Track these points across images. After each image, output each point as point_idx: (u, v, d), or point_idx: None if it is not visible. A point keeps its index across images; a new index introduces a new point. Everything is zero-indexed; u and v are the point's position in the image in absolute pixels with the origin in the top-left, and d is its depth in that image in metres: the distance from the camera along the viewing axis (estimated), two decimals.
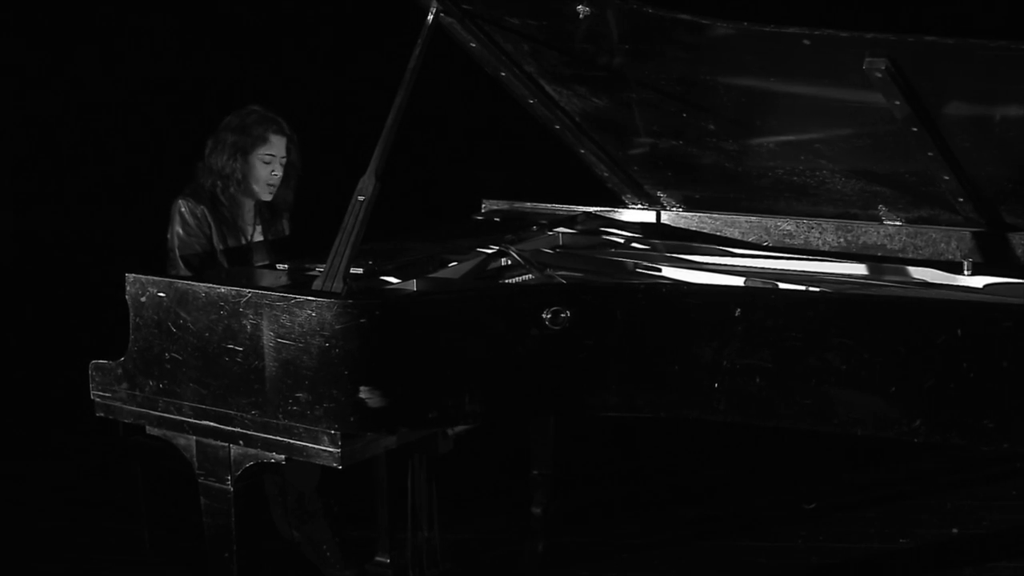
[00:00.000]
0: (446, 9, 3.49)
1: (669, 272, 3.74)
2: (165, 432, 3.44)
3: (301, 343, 3.15)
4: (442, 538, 4.08)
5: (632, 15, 3.31)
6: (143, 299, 3.39)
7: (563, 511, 4.63)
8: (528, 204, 4.49)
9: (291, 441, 3.22)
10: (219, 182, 4.09)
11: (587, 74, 3.67)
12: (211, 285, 3.29)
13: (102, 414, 3.56)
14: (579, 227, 4.29)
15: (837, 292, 3.40)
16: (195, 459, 3.41)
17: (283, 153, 4.12)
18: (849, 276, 3.68)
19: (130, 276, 3.42)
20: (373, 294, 3.41)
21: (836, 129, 3.58)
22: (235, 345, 3.24)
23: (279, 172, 4.13)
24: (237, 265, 4.13)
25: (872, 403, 3.02)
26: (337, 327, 3.10)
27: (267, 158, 4.09)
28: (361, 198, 3.31)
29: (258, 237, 4.24)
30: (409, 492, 4.00)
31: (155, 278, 3.39)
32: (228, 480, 3.37)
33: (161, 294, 3.36)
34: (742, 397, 3.13)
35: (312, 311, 3.13)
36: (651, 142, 3.95)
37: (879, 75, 3.17)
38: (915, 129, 3.37)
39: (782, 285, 3.50)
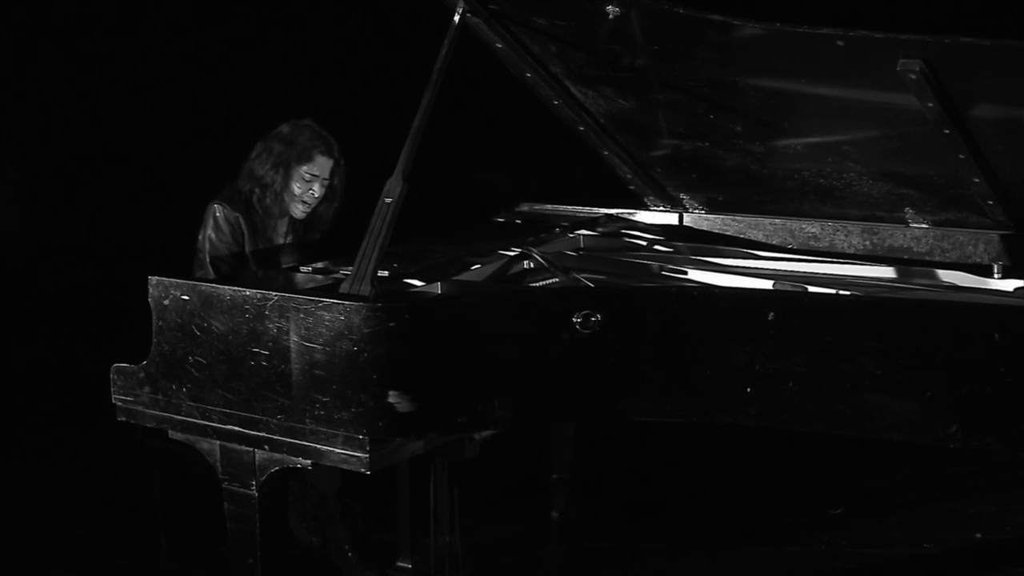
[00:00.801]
0: (472, 9, 3.45)
1: (695, 275, 3.71)
2: (188, 437, 3.41)
3: (328, 347, 3.11)
4: (463, 543, 4.05)
5: (662, 16, 3.28)
6: (166, 302, 3.35)
7: (582, 515, 4.59)
8: (548, 206, 4.46)
9: (318, 446, 3.18)
10: (256, 189, 4.04)
11: (614, 75, 3.64)
12: (236, 288, 3.25)
13: (123, 418, 3.52)
14: (600, 230, 4.26)
15: (871, 296, 3.36)
16: (219, 464, 3.37)
17: (326, 175, 4.07)
18: (877, 279, 3.65)
19: (153, 279, 3.38)
20: (402, 297, 3.37)
21: (865, 131, 3.55)
22: (260, 349, 3.21)
23: (317, 192, 4.07)
24: (263, 268, 4.10)
25: (907, 408, 2.99)
26: (366, 331, 3.07)
27: (308, 176, 4.04)
28: (388, 200, 3.28)
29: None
30: (431, 496, 3.97)
31: (178, 281, 3.35)
32: (253, 485, 3.34)
33: (185, 297, 3.32)
34: (775, 402, 3.10)
35: (340, 314, 3.09)
36: (676, 144, 3.92)
37: (913, 76, 3.13)
38: (947, 131, 3.33)
39: (812, 288, 3.47)
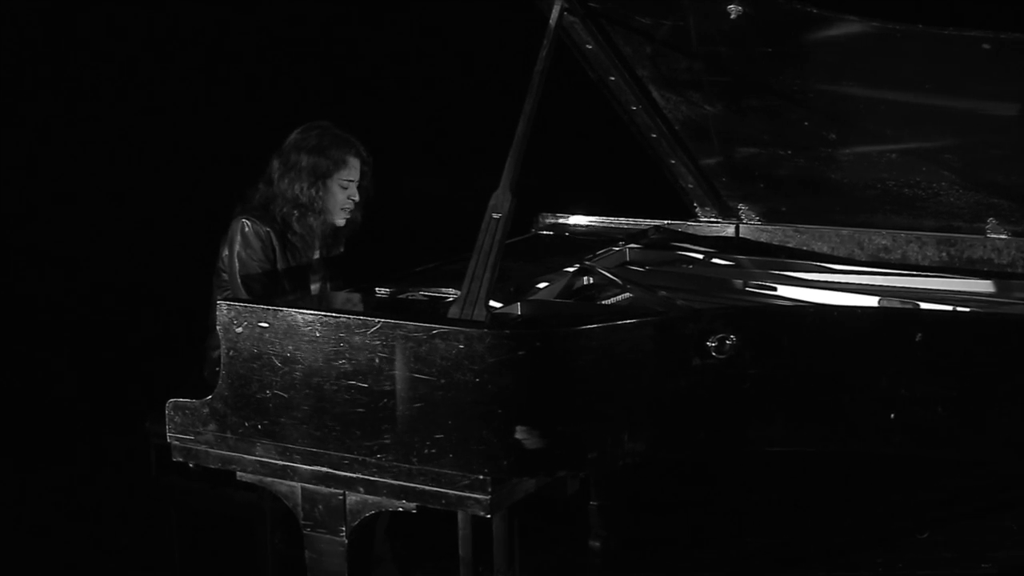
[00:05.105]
0: (571, 8, 3.19)
1: (785, 291, 3.50)
2: (262, 479, 3.08)
3: (444, 379, 2.81)
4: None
5: (791, 15, 3.05)
6: (239, 330, 3.02)
7: (624, 543, 4.34)
8: (586, 219, 4.21)
9: (426, 487, 2.88)
10: (295, 211, 3.71)
11: (709, 79, 3.40)
12: (328, 314, 2.93)
13: (181, 459, 3.18)
14: (648, 241, 4.03)
15: None
16: (300, 508, 3.05)
17: (359, 177, 3.78)
18: (979, 293, 3.49)
19: (223, 304, 3.04)
20: (527, 323, 3.09)
21: (975, 137, 3.37)
22: (358, 381, 2.90)
23: (356, 196, 3.78)
24: (298, 288, 3.77)
25: None
26: (490, 360, 2.78)
27: (345, 183, 3.74)
28: (496, 215, 3.00)
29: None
30: (494, 531, 3.70)
31: (255, 306, 3.03)
32: (342, 531, 3.02)
33: (263, 324, 2.99)
34: (922, 428, 2.91)
35: (460, 343, 2.79)
36: (753, 151, 3.70)
37: None
38: None
39: (923, 305, 3.29)
